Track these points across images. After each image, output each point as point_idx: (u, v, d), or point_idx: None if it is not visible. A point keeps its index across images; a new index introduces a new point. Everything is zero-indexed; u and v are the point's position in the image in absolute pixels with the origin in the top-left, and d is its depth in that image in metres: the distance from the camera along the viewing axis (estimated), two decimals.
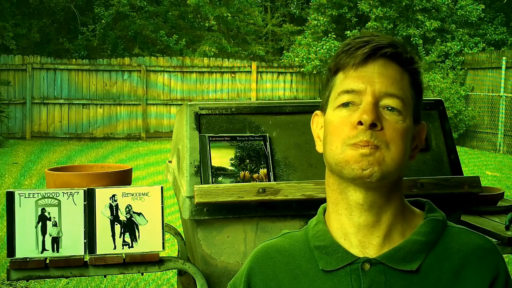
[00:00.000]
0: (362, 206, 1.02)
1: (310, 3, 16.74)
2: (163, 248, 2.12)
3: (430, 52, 14.46)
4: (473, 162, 10.93)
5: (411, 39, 14.51)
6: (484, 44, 14.88)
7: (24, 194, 2.05)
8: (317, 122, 1.11)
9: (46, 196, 2.06)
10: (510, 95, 12.67)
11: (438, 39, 14.57)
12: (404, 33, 14.53)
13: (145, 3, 17.66)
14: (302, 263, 1.07)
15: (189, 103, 2.25)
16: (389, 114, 0.99)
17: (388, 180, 0.99)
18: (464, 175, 2.28)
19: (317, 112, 1.11)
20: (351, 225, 1.03)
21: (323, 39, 15.07)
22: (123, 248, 2.09)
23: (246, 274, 1.11)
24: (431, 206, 1.09)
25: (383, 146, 0.98)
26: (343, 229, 1.05)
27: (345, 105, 1.01)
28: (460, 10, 14.81)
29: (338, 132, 1.00)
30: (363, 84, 1.00)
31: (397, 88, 1.00)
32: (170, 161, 2.63)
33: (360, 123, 0.97)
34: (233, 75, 15.22)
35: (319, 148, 1.08)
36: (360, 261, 1.01)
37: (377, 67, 1.00)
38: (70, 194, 2.08)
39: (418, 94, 1.06)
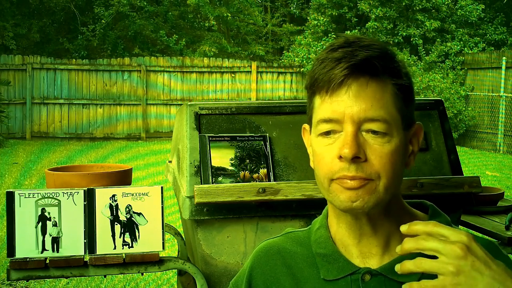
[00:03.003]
0: (359, 224, 1.00)
1: (310, 3, 16.74)
2: (163, 248, 2.12)
3: (430, 52, 14.46)
4: (473, 162, 10.93)
5: (411, 39, 14.51)
6: (484, 44, 14.88)
7: (24, 194, 2.05)
8: (306, 137, 1.07)
9: (46, 196, 2.06)
10: (510, 95, 12.67)
11: (438, 39, 14.57)
12: (404, 33, 14.53)
13: (145, 3, 17.66)
14: (304, 268, 1.05)
15: (189, 103, 2.25)
16: (372, 138, 0.94)
17: (382, 204, 0.97)
18: (464, 175, 2.28)
19: (305, 126, 1.07)
20: (350, 237, 1.02)
21: (323, 39, 15.07)
22: (123, 248, 2.09)
23: (248, 274, 1.10)
24: (434, 210, 1.07)
25: (374, 177, 0.93)
26: (344, 240, 1.04)
27: (327, 133, 0.96)
28: (460, 10, 14.82)
29: (322, 165, 0.96)
30: (340, 112, 0.94)
31: (377, 109, 0.93)
32: (170, 161, 2.63)
33: (341, 156, 0.93)
34: (233, 75, 15.22)
35: (312, 164, 1.04)
36: (361, 271, 1.00)
37: (353, 89, 0.93)
38: (70, 194, 2.08)
39: (407, 100, 0.99)
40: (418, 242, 0.84)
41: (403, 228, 0.87)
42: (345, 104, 0.93)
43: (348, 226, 1.02)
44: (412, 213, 1.06)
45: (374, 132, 0.94)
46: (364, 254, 1.02)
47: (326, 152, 0.96)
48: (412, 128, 1.02)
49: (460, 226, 2.46)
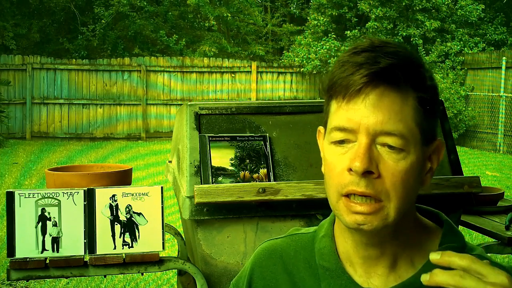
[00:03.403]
0: (367, 244, 0.95)
1: (310, 3, 16.75)
2: (163, 248, 2.12)
3: (430, 52, 14.46)
4: (473, 162, 10.93)
5: (411, 39, 14.51)
6: (484, 44, 14.88)
7: (24, 194, 2.05)
8: (320, 140, 1.01)
9: (46, 196, 2.06)
10: (510, 95, 12.67)
11: (438, 39, 14.57)
12: (404, 33, 14.53)
13: (145, 3, 17.66)
14: (306, 277, 1.02)
15: (189, 103, 2.25)
16: (387, 153, 0.87)
17: (392, 225, 0.90)
18: (464, 175, 2.28)
19: (320, 128, 1.01)
20: (356, 256, 0.97)
21: (323, 39, 15.07)
22: (123, 248, 2.09)
23: (248, 276, 1.08)
24: (449, 228, 0.98)
25: (383, 197, 0.87)
26: (349, 257, 0.99)
27: (340, 142, 0.90)
28: (460, 10, 14.82)
29: (332, 176, 0.91)
30: (355, 121, 0.88)
31: (395, 123, 0.87)
32: (170, 161, 2.63)
33: (352, 169, 0.87)
34: (233, 75, 15.22)
35: (323, 169, 0.98)
36: None
37: (370, 98, 0.87)
38: (70, 194, 2.08)
39: (429, 114, 0.91)
40: (453, 278, 0.76)
41: (434, 257, 0.79)
42: (361, 114, 0.87)
43: (354, 244, 0.97)
44: (424, 225, 0.99)
45: (390, 146, 0.88)
46: (369, 274, 0.97)
47: (337, 162, 0.90)
48: (433, 144, 0.94)
49: (460, 226, 2.46)
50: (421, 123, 0.90)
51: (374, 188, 0.87)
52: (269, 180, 2.14)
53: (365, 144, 0.87)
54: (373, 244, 0.94)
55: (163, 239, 2.12)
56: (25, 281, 4.15)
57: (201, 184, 2.08)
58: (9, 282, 4.38)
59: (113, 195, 2.10)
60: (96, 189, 2.10)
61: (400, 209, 0.89)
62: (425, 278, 0.79)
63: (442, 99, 2.60)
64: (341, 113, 0.90)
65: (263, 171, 2.16)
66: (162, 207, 2.12)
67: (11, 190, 2.07)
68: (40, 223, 2.05)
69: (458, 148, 2.86)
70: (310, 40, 15.46)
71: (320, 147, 1.01)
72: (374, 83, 0.87)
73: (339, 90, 0.90)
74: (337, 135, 0.91)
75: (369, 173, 0.87)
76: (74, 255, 2.06)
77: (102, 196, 2.09)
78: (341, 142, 0.90)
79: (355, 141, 0.89)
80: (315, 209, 2.13)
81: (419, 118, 0.90)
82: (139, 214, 2.11)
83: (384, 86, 0.87)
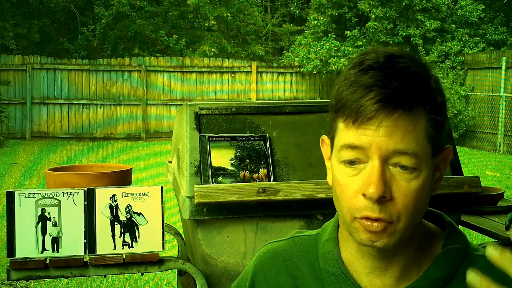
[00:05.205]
0: (374, 257, 0.93)
1: (310, 3, 16.75)
2: (163, 248, 2.12)
3: (430, 52, 14.46)
4: (473, 162, 10.93)
5: (411, 39, 14.51)
6: (484, 44, 14.88)
7: (24, 194, 2.05)
8: (325, 150, 0.99)
9: (46, 196, 2.06)
10: (510, 95, 12.67)
11: (438, 39, 14.57)
12: (404, 33, 14.53)
13: (145, 3, 17.66)
14: (310, 282, 1.00)
15: (189, 103, 2.25)
16: (400, 173, 0.86)
17: (403, 240, 0.90)
18: (464, 175, 2.28)
19: (323, 137, 0.99)
20: (361, 266, 0.95)
21: (323, 39, 15.07)
22: (123, 248, 2.09)
23: (250, 280, 1.06)
24: (452, 229, 0.98)
25: (394, 218, 0.86)
26: (353, 266, 0.96)
27: (350, 162, 0.88)
28: (460, 10, 14.82)
29: (345, 198, 0.89)
30: (366, 140, 0.85)
31: (408, 142, 0.85)
32: (170, 161, 2.63)
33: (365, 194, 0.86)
34: (233, 75, 15.22)
35: (329, 180, 0.96)
36: None
37: (384, 124, 0.85)
38: (70, 194, 2.08)
39: (439, 127, 0.90)
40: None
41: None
42: (373, 134, 0.85)
43: (359, 255, 0.95)
44: (429, 230, 0.99)
45: (402, 167, 0.86)
46: (375, 286, 0.95)
47: (349, 184, 0.88)
48: (442, 153, 0.94)
49: (460, 226, 2.46)
50: (432, 138, 0.89)
51: (387, 211, 0.86)
52: (269, 180, 2.14)
53: (378, 168, 0.85)
54: (382, 256, 0.93)
55: (163, 239, 2.12)
56: (25, 281, 4.15)
57: (201, 184, 2.08)
58: (9, 282, 4.38)
59: (113, 195, 2.10)
60: (96, 189, 2.10)
61: (410, 226, 0.88)
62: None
63: None
64: (351, 134, 0.87)
65: (263, 171, 2.16)
66: (162, 207, 2.12)
67: (11, 190, 2.07)
68: (40, 223, 2.05)
69: (458, 148, 2.86)
70: (310, 40, 15.46)
71: (325, 155, 0.99)
72: (387, 109, 0.84)
73: (349, 114, 0.87)
74: (347, 154, 0.88)
75: (383, 198, 0.85)
76: (74, 255, 2.06)
77: (102, 196, 2.10)
78: (352, 162, 0.88)
79: (366, 161, 0.87)
80: (315, 209, 2.13)
81: (430, 134, 0.88)
82: (139, 214, 2.11)
83: (397, 111, 0.85)
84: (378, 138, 0.85)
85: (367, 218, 0.86)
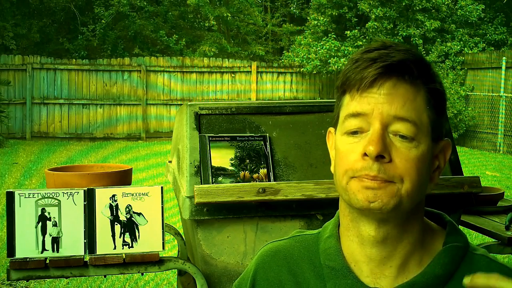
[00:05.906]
0: (374, 238, 0.94)
1: (310, 3, 16.74)
2: (163, 248, 2.12)
3: (430, 52, 14.46)
4: (473, 162, 10.93)
5: (411, 39, 14.51)
6: (484, 44, 14.88)
7: (24, 194, 2.05)
8: (331, 141, 1.02)
9: (46, 196, 2.06)
10: (510, 95, 12.67)
11: (438, 39, 14.57)
12: (404, 33, 14.53)
13: (145, 3, 17.66)
14: (311, 278, 1.01)
15: (189, 103, 2.25)
16: (399, 141, 0.90)
17: (402, 210, 0.91)
18: (464, 175, 2.28)
19: (330, 129, 1.02)
20: (362, 254, 0.96)
21: (323, 39, 15.07)
22: (123, 248, 2.09)
23: (252, 278, 1.07)
24: (452, 228, 0.99)
25: (396, 180, 0.88)
26: (354, 256, 0.97)
27: (353, 133, 0.92)
28: (460, 10, 14.82)
29: (343, 163, 0.92)
30: (369, 106, 0.90)
31: (409, 110, 0.90)
32: (170, 161, 2.63)
33: (366, 154, 0.89)
34: (233, 75, 15.22)
35: (332, 168, 0.99)
36: None
37: (385, 87, 0.90)
38: (70, 194, 2.08)
39: (439, 110, 0.94)
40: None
41: (467, 281, 0.80)
42: (375, 101, 0.90)
43: (360, 241, 0.96)
44: (431, 230, 1.00)
45: (401, 136, 0.90)
46: (376, 275, 0.96)
47: (350, 150, 0.92)
48: (440, 142, 0.97)
49: (460, 226, 2.46)
50: (432, 117, 0.93)
51: (386, 173, 0.89)
52: (269, 180, 2.14)
53: (378, 129, 0.89)
54: (382, 239, 0.93)
55: (163, 239, 2.12)
56: (25, 281, 4.15)
57: (201, 184, 2.08)
58: (9, 282, 4.38)
59: (113, 195, 2.10)
60: (96, 189, 2.10)
61: (412, 194, 0.90)
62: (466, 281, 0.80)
63: None
64: (356, 101, 0.92)
65: (263, 171, 2.16)
66: (162, 207, 2.12)
67: (11, 190, 2.07)
68: (40, 223, 2.05)
69: (458, 148, 2.86)
70: (310, 40, 15.46)
71: (329, 147, 1.03)
72: (388, 74, 0.90)
73: (353, 84, 0.92)
74: (350, 122, 0.93)
75: (382, 157, 0.89)
76: (74, 255, 2.06)
77: (102, 196, 2.10)
78: (355, 132, 0.92)
79: (368, 130, 0.91)
80: (315, 209, 2.13)
81: (430, 111, 0.93)
82: (139, 214, 2.11)
83: (397, 77, 0.91)
84: (379, 104, 0.90)
85: (365, 177, 0.89)
